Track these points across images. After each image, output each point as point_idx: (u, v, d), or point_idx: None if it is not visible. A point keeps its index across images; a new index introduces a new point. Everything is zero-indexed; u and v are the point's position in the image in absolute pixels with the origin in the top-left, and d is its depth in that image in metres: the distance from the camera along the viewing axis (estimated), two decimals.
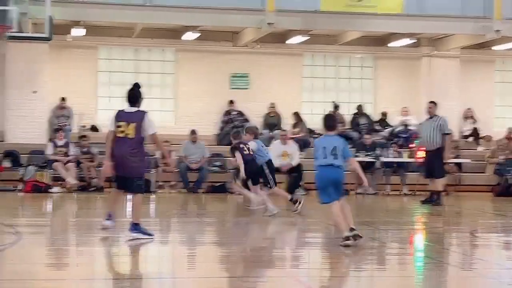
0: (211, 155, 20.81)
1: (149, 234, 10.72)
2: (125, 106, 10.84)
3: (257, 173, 14.54)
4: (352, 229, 10.24)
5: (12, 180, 19.54)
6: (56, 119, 21.54)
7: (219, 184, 20.12)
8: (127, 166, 10.63)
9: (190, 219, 14.11)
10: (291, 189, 19.81)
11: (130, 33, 22.29)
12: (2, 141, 20.99)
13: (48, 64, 21.36)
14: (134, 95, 10.85)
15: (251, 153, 14.48)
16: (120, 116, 10.74)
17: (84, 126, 21.86)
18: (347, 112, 23.14)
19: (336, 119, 11.17)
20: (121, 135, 10.64)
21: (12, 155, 20.08)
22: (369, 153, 20.73)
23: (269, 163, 15.06)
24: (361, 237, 10.25)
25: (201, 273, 8.82)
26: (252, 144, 14.98)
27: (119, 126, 10.65)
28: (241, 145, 14.51)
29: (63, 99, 21.72)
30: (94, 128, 22.02)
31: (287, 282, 8.26)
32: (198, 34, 22.05)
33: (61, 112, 21.74)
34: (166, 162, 13.37)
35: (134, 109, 10.79)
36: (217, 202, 18.30)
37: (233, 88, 23.36)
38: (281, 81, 23.49)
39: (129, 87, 10.99)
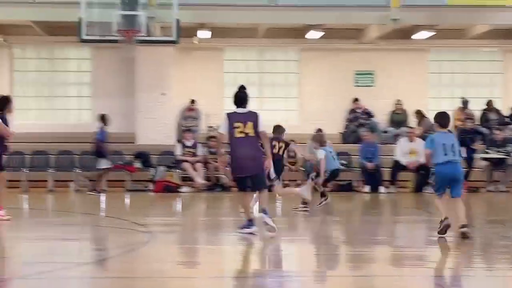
0: (337, 154, 20.64)
1: (274, 225, 10.86)
2: (235, 108, 10.96)
3: (279, 173, 13.84)
4: (464, 226, 10.46)
5: (143, 181, 20.12)
6: (185, 121, 22.02)
7: (345, 182, 20.03)
8: (253, 163, 10.78)
9: (316, 218, 14.09)
10: (419, 186, 19.56)
11: (254, 34, 22.50)
12: (133, 142, 21.62)
13: (175, 66, 21.87)
14: (243, 97, 11.00)
15: (280, 153, 13.87)
16: (234, 117, 10.86)
17: (211, 127, 22.22)
18: (476, 108, 22.56)
19: (448, 116, 11.07)
20: (240, 135, 10.77)
21: (143, 156, 20.64)
22: (499, 149, 20.16)
23: (335, 171, 15.53)
24: (468, 237, 10.41)
25: (329, 272, 8.81)
26: (321, 152, 15.01)
27: (236, 127, 10.76)
28: (273, 142, 13.67)
29: (192, 101, 22.17)
30: None
31: (418, 281, 8.13)
32: (322, 33, 22.00)
33: (190, 113, 22.20)
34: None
35: (245, 110, 10.93)
36: (343, 200, 18.21)
37: (357, 86, 23.21)
38: (407, 77, 23.14)
39: (235, 90, 11.12)
